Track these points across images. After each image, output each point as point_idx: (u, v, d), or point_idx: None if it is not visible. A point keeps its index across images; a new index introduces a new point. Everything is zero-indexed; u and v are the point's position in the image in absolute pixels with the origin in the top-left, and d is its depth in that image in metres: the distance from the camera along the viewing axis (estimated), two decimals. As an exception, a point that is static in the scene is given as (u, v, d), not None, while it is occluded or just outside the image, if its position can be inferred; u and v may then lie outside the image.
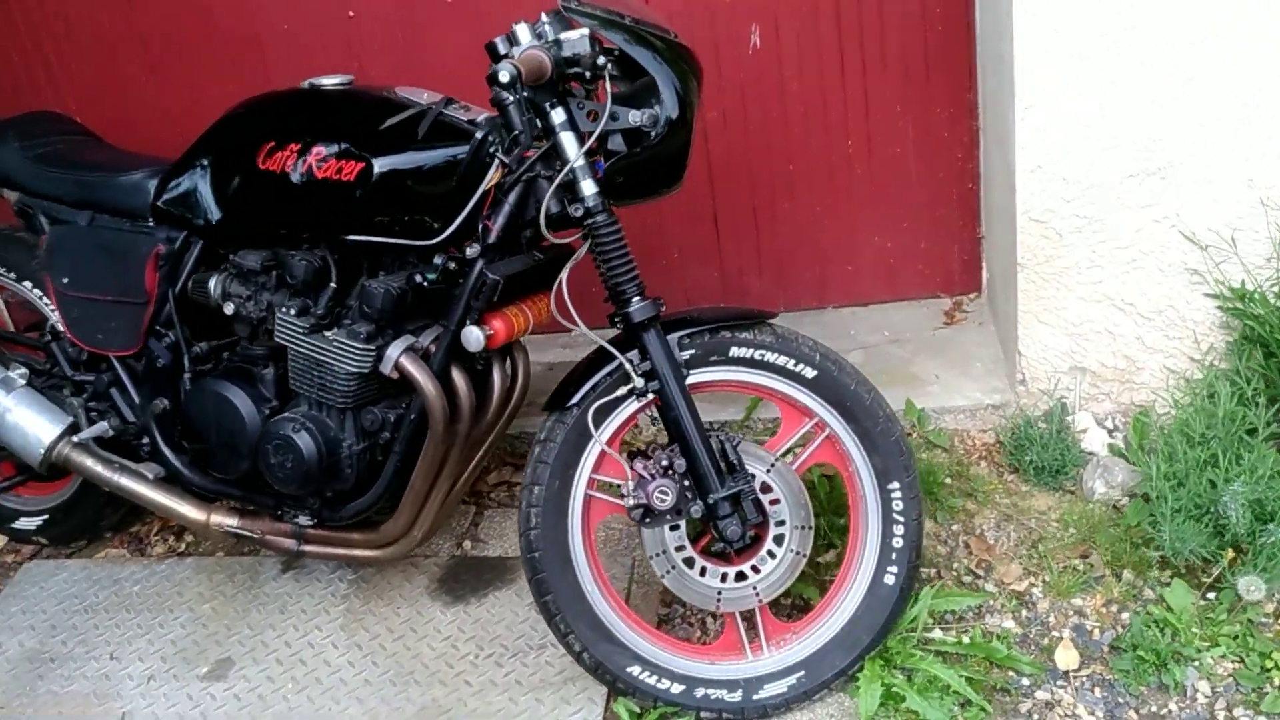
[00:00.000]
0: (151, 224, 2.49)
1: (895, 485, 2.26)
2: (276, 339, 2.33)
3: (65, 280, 2.55)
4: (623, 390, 2.17)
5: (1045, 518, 2.68)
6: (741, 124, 3.23)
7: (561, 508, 2.24)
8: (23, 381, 2.62)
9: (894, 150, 3.22)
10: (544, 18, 2.12)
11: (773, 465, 2.23)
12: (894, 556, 2.26)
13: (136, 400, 2.56)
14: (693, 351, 2.21)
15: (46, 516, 2.94)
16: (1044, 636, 2.37)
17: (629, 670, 2.25)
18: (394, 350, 2.25)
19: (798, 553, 2.24)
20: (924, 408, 2.96)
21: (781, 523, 2.23)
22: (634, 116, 2.11)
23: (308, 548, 2.53)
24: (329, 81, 2.35)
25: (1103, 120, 2.54)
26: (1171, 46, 2.44)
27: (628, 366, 2.15)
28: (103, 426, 2.56)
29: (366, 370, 2.26)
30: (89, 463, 2.56)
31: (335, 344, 2.26)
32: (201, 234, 2.42)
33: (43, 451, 2.56)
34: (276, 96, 2.37)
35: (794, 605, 2.51)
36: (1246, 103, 2.47)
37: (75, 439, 2.55)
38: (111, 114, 3.40)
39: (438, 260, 2.23)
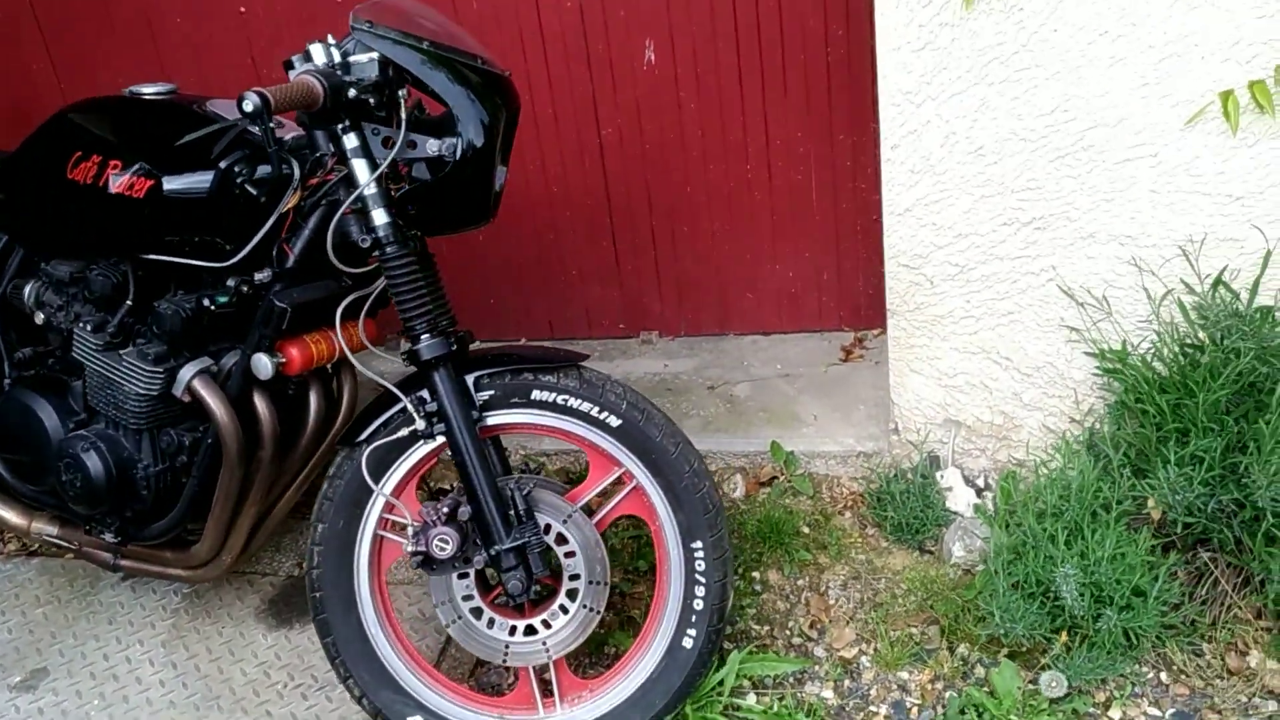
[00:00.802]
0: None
1: (699, 544, 2.14)
2: (73, 354, 2.27)
3: None
4: (404, 432, 2.08)
5: (896, 579, 2.54)
6: (638, 143, 3.11)
7: (347, 547, 2.15)
8: None
9: (795, 177, 3.08)
10: (351, 36, 2.03)
11: (569, 516, 2.12)
12: (693, 619, 2.15)
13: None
14: (492, 393, 2.11)
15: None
16: (861, 711, 2.25)
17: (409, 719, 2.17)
18: (186, 373, 2.18)
19: (591, 609, 2.13)
20: (795, 450, 2.83)
21: (576, 577, 2.13)
22: (432, 145, 2.01)
23: (124, 562, 2.47)
24: (148, 90, 2.27)
25: (977, 163, 2.39)
26: (1044, 85, 2.28)
27: (410, 407, 2.06)
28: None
29: (155, 392, 2.18)
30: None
31: (126, 363, 2.19)
32: (18, 239, 2.36)
33: None
34: (94, 103, 2.30)
35: (614, 655, 2.41)
36: (1125, 155, 2.31)
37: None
38: (14, 95, 3.37)
39: (230, 283, 2.14)
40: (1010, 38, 2.27)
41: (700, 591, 2.15)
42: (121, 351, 2.20)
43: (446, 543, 2.05)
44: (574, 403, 2.12)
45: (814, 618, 2.46)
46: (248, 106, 1.79)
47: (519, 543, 2.05)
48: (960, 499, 2.64)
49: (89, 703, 2.45)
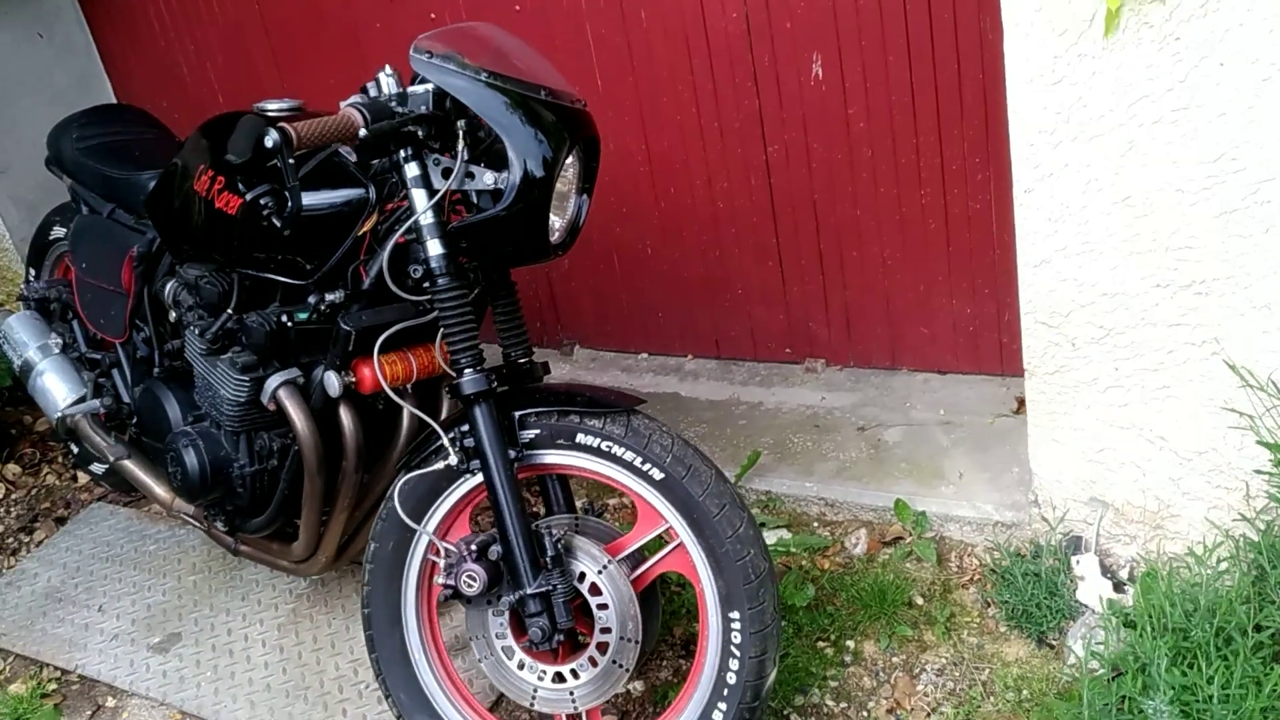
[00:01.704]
0: (148, 223, 2.65)
1: (736, 615, 2.00)
2: (186, 355, 2.43)
3: (82, 265, 2.78)
4: (440, 465, 2.06)
5: (1004, 671, 2.27)
6: (804, 161, 2.93)
7: (396, 569, 2.18)
8: (57, 349, 2.90)
9: (973, 206, 2.79)
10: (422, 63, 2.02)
11: (604, 567, 2.04)
12: (725, 693, 2.01)
13: (130, 384, 2.76)
14: (538, 432, 2.06)
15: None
16: (912, 819, 2.03)
17: (440, 748, 2.18)
18: (272, 383, 2.27)
19: (620, 666, 2.04)
20: (928, 511, 2.59)
21: (607, 630, 2.04)
22: (488, 178, 1.98)
23: (243, 548, 2.63)
24: (273, 106, 2.36)
25: (1124, 214, 2.07)
26: (1206, 129, 1.93)
27: (444, 441, 2.04)
28: (94, 405, 2.78)
29: (243, 398, 2.29)
30: (87, 433, 2.81)
31: (219, 370, 2.31)
32: (164, 240, 2.54)
33: (56, 415, 2.83)
34: (224, 118, 2.42)
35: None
36: (1309, 214, 1.92)
37: (74, 411, 2.80)
38: (239, 88, 3.65)
39: (311, 300, 2.21)
40: (1164, 72, 1.93)
41: (734, 665, 2.00)
42: (220, 357, 2.32)
43: (474, 580, 2.02)
44: (617, 450, 2.03)
45: (895, 701, 2.25)
46: (269, 143, 1.82)
47: (543, 589, 1.99)
48: (1093, 590, 2.32)
49: (203, 673, 2.63)
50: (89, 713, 2.62)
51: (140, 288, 2.62)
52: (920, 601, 2.45)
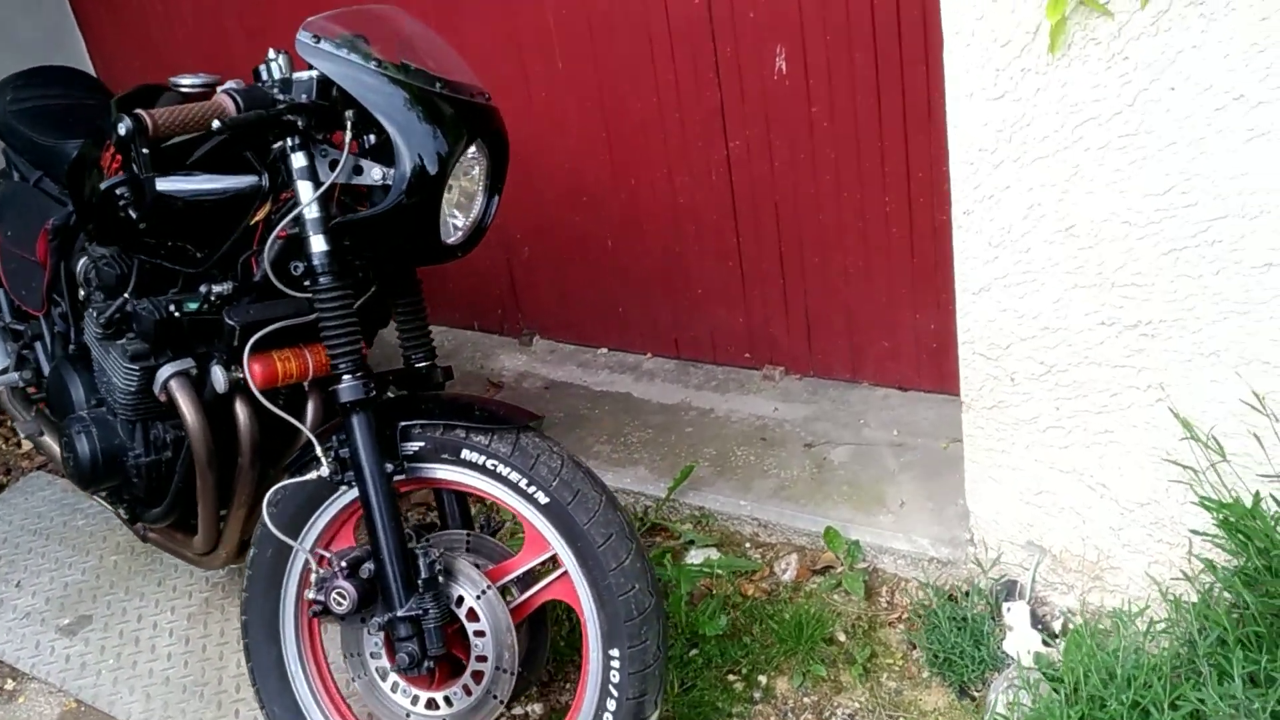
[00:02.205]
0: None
1: (616, 652, 1.88)
2: (85, 337, 2.33)
3: (7, 233, 2.69)
4: (312, 474, 1.95)
5: (918, 722, 2.13)
6: (766, 160, 2.77)
7: (276, 577, 2.08)
8: (-18, 321, 2.82)
9: (939, 217, 2.62)
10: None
11: (483, 593, 1.92)
12: (601, 735, 1.90)
13: (50, 358, 2.67)
14: (423, 445, 1.94)
15: (49, 434, 3.18)
16: None
17: (313, 767, 2.08)
18: (163, 373, 2.16)
19: (495, 697, 1.93)
20: (862, 540, 2.44)
21: (483, 659, 1.93)
22: (376, 173, 1.86)
23: (150, 536, 2.54)
24: (187, 81, 2.24)
25: (1069, 244, 1.90)
26: (1155, 158, 1.76)
27: (318, 450, 1.92)
28: (13, 378, 2.70)
29: (133, 387, 2.19)
30: (5, 404, 2.74)
31: (112, 356, 2.21)
32: (77, 214, 2.44)
33: (-24, 386, 2.77)
34: (138, 91, 2.30)
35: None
36: (1267, 259, 1.74)
37: (-1, 382, 2.73)
38: (209, 54, 3.55)
39: (202, 290, 2.10)
40: (1111, 93, 1.76)
41: (611, 705, 1.89)
42: (115, 343, 2.22)
43: (344, 599, 1.91)
44: (502, 470, 1.91)
45: (798, 749, 2.12)
46: (121, 130, 1.71)
47: (413, 614, 1.88)
48: (1021, 641, 2.17)
49: (105, 661, 2.56)
50: (-14, 695, 2.57)
51: (56, 261, 2.52)
52: (842, 638, 2.31)
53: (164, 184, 2.03)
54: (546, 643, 2.11)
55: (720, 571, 2.49)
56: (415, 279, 2.11)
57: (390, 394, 2.11)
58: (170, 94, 2.19)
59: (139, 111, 1.71)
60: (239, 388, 2.12)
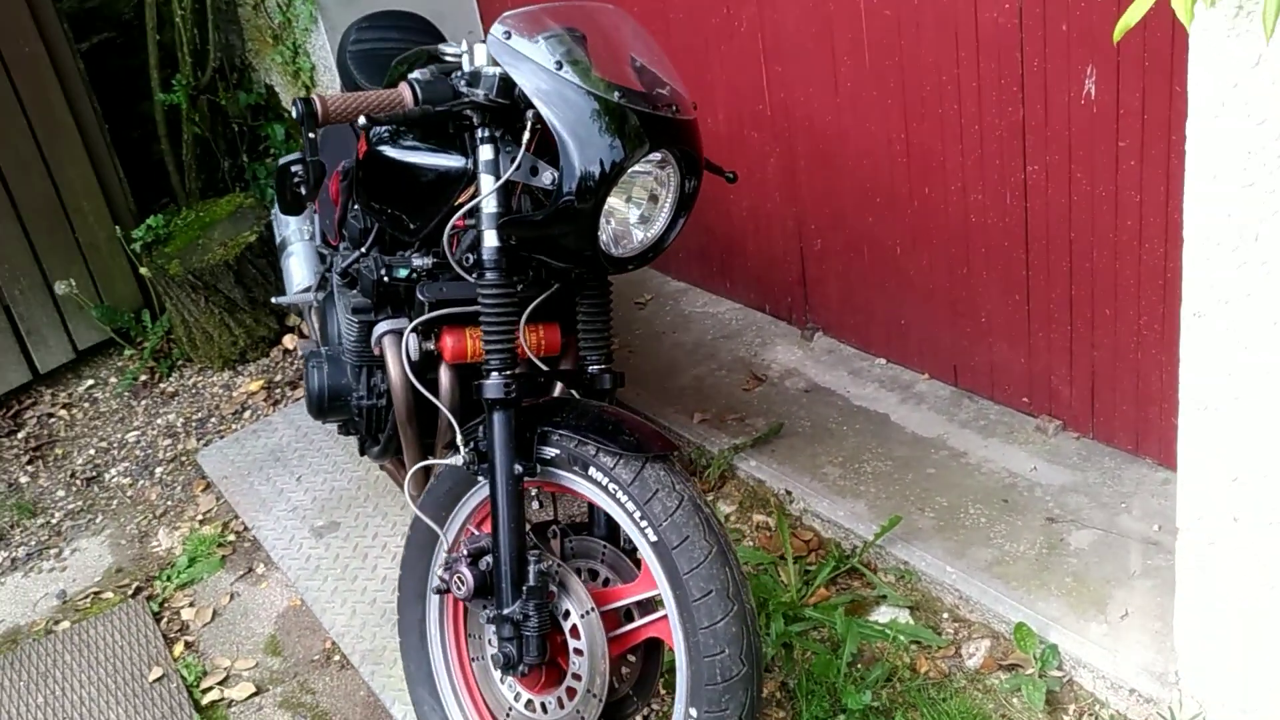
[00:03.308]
0: (372, 138, 2.74)
1: (694, 712, 1.79)
2: (332, 282, 2.51)
3: (326, 166, 2.93)
4: (454, 459, 1.99)
5: None
6: (1064, 191, 2.43)
7: (428, 545, 2.15)
8: (307, 236, 3.11)
9: (1254, 291, 2.18)
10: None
11: (586, 614, 1.89)
12: (666, 790, 1.82)
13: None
14: (557, 452, 1.93)
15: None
16: None
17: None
18: (379, 329, 2.29)
19: (582, 716, 1.91)
20: (1061, 646, 2.14)
21: (578, 677, 1.91)
22: (547, 177, 1.84)
23: (386, 466, 2.73)
24: (449, 50, 2.32)
25: (1318, 378, 1.52)
26: None
27: (459, 439, 1.96)
28: (309, 297, 2.96)
29: (354, 337, 2.34)
30: (306, 321, 3.03)
31: (342, 304, 2.37)
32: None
33: (277, 299, 3.09)
34: (418, 55, 2.40)
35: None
36: None
37: (293, 300, 3.01)
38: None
39: (414, 259, 2.18)
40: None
41: (682, 763, 1.80)
42: (348, 293, 2.38)
43: (462, 583, 1.96)
44: (621, 496, 1.86)
45: None
46: (294, 111, 1.79)
47: (516, 617, 1.89)
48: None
49: (335, 568, 2.81)
50: (241, 573, 2.90)
51: (344, 201, 2.73)
52: (1000, 752, 2.05)
53: (387, 150, 2.14)
54: (658, 670, 2.05)
55: (902, 637, 2.28)
56: (602, 280, 2.07)
57: (564, 392, 2.12)
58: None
59: (312, 96, 1.78)
60: (434, 356, 2.21)
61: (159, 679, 2.58)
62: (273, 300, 3.05)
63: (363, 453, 2.69)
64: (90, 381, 3.91)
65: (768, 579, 2.48)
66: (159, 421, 3.64)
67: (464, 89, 1.86)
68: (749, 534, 2.67)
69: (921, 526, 2.49)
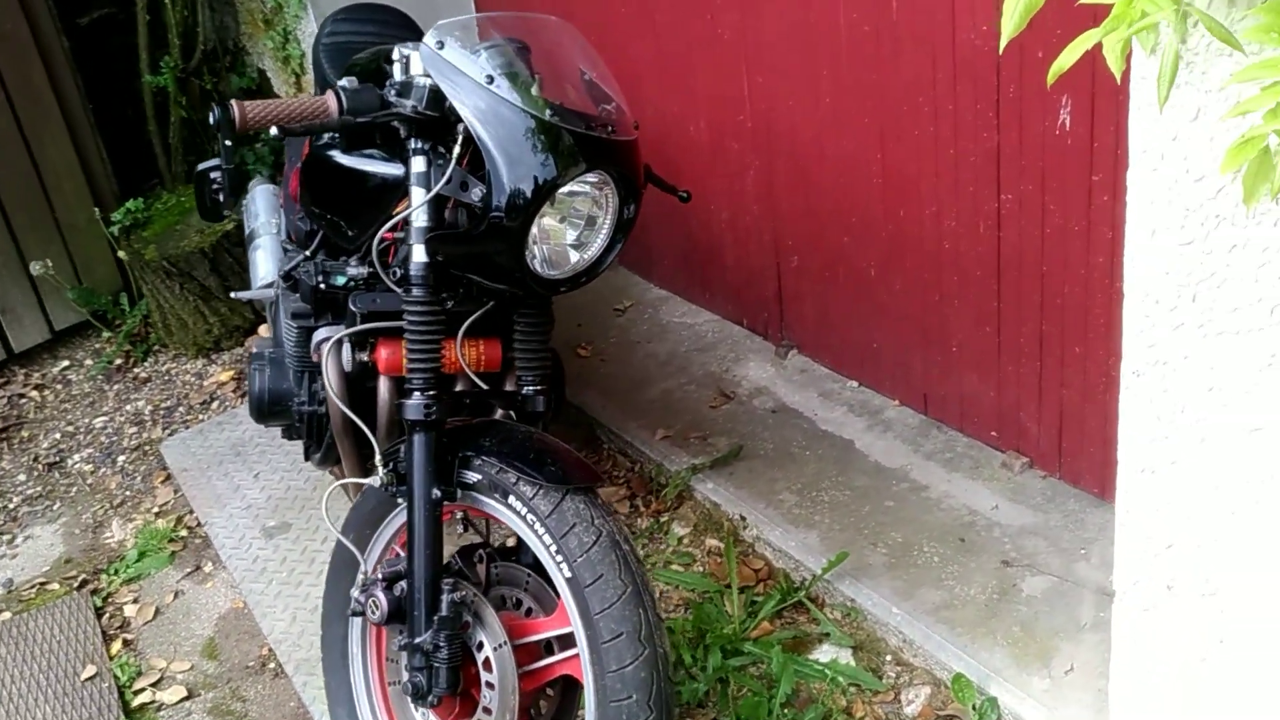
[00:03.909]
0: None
1: (599, 757, 1.72)
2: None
3: (291, 160, 2.87)
4: (372, 479, 1.93)
5: None
6: (1038, 222, 2.34)
7: (352, 562, 2.09)
8: (275, 229, 3.06)
9: (1224, 339, 2.09)
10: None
11: (499, 646, 1.83)
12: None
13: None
14: (479, 478, 1.87)
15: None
16: None
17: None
18: (317, 335, 2.23)
19: (491, 753, 1.85)
20: (1001, 700, 2.06)
21: (489, 711, 1.85)
22: (476, 193, 1.78)
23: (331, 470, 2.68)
24: (405, 48, 2.25)
25: (1253, 443, 1.44)
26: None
27: (377, 459, 1.90)
28: (269, 292, 2.89)
29: (293, 340, 2.29)
30: (268, 315, 2.98)
31: (284, 308, 2.31)
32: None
33: (235, 294, 3.03)
34: (376, 57, 2.33)
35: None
36: None
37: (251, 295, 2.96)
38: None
39: (350, 268, 2.12)
40: (1330, 274, 1.28)
41: (583, 809, 1.74)
42: (290, 296, 2.32)
43: (376, 608, 1.91)
44: (538, 528, 1.80)
45: None
46: (211, 118, 1.73)
47: (426, 647, 1.83)
48: None
49: (280, 572, 2.79)
50: (189, 570, 2.87)
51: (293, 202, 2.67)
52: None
53: (329, 154, 2.08)
54: (575, 707, 1.99)
55: (840, 679, 2.21)
56: (541, 298, 2.01)
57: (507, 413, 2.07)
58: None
59: (234, 102, 1.72)
60: (368, 368, 2.15)
61: (91, 678, 2.55)
62: (232, 294, 3.00)
63: (306, 459, 2.63)
64: (66, 363, 3.89)
65: (712, 608, 2.41)
66: (128, 408, 3.61)
67: (393, 99, 1.80)
68: (700, 559, 2.61)
69: (872, 562, 2.41)
